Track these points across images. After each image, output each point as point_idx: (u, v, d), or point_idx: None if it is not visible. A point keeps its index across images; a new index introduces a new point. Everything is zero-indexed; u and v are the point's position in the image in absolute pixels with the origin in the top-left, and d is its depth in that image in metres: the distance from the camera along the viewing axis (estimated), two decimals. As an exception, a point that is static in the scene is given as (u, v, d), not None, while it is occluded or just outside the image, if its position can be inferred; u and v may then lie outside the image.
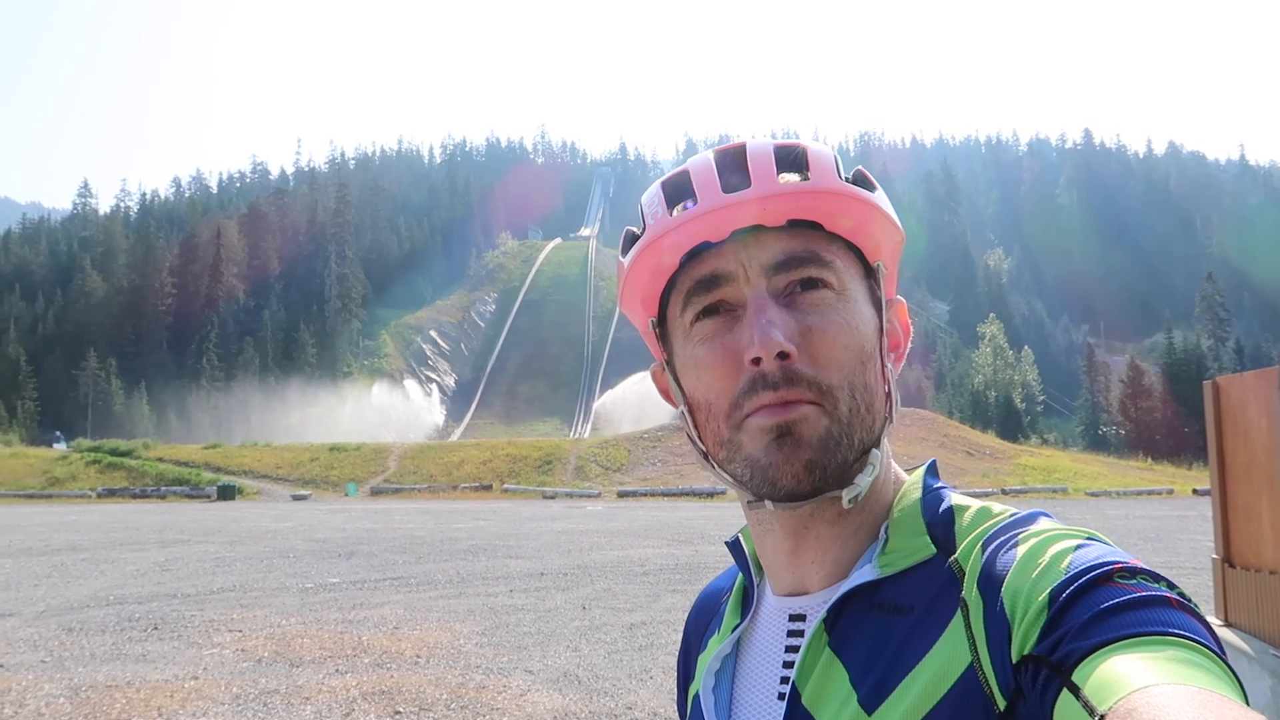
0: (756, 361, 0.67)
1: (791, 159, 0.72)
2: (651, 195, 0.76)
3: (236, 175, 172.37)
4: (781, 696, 0.71)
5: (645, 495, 39.03)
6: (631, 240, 0.77)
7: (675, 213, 0.73)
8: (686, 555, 15.62)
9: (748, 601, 0.82)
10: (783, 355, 0.67)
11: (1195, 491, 36.18)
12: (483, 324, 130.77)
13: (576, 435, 75.89)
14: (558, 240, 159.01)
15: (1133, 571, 0.57)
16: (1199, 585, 9.68)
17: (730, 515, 26.61)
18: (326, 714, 6.18)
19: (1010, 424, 73.25)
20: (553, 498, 39.30)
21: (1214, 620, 5.46)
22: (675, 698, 0.93)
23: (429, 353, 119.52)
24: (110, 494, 42.38)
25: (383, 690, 6.79)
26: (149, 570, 14.28)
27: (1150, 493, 38.07)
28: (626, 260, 0.77)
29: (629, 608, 10.29)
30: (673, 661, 7.10)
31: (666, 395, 0.80)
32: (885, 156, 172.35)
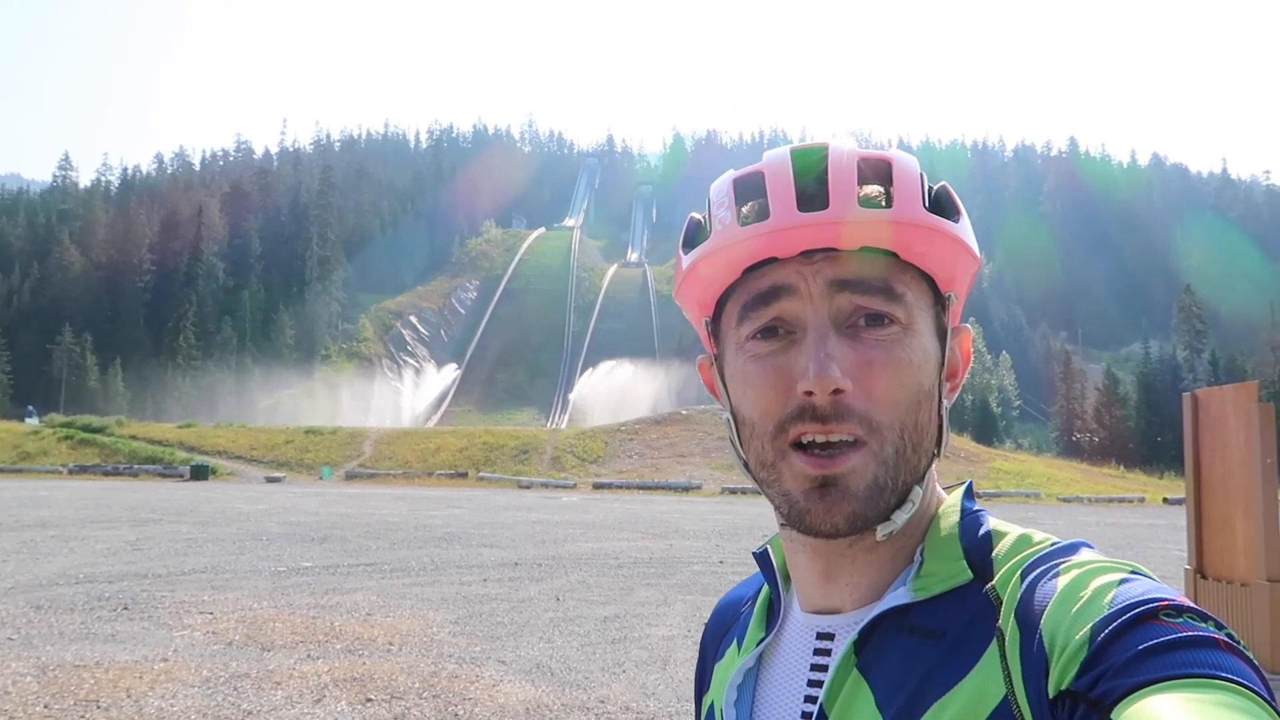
0: (809, 393, 0.65)
1: (875, 174, 0.69)
2: (721, 192, 0.72)
3: (220, 153, 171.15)
4: (806, 716, 0.70)
5: (621, 488, 39.04)
6: (695, 231, 0.74)
7: (743, 217, 0.69)
8: (661, 549, 15.64)
9: (773, 615, 0.79)
10: (837, 390, 0.65)
11: (1166, 500, 36.64)
12: (464, 311, 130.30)
13: (554, 425, 75.80)
14: (542, 230, 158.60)
15: (1179, 610, 0.55)
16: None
17: (705, 511, 26.65)
18: (297, 699, 6.14)
19: (986, 428, 73.81)
20: (528, 487, 39.23)
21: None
22: (686, 699, 0.92)
23: (408, 338, 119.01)
24: (82, 470, 41.92)
25: (354, 677, 6.75)
26: (120, 549, 14.14)
27: (1122, 500, 38.50)
28: (687, 260, 0.74)
29: (603, 600, 10.29)
30: (646, 656, 7.02)
31: (712, 389, 0.78)
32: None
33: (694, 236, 0.74)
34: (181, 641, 7.81)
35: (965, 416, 78.34)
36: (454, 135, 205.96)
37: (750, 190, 0.70)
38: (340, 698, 6.21)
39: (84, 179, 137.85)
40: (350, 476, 42.70)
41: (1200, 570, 5.53)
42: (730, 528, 20.54)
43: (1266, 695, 0.50)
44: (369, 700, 6.16)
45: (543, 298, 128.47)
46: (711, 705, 0.80)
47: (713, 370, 0.77)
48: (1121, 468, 53.97)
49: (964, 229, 0.72)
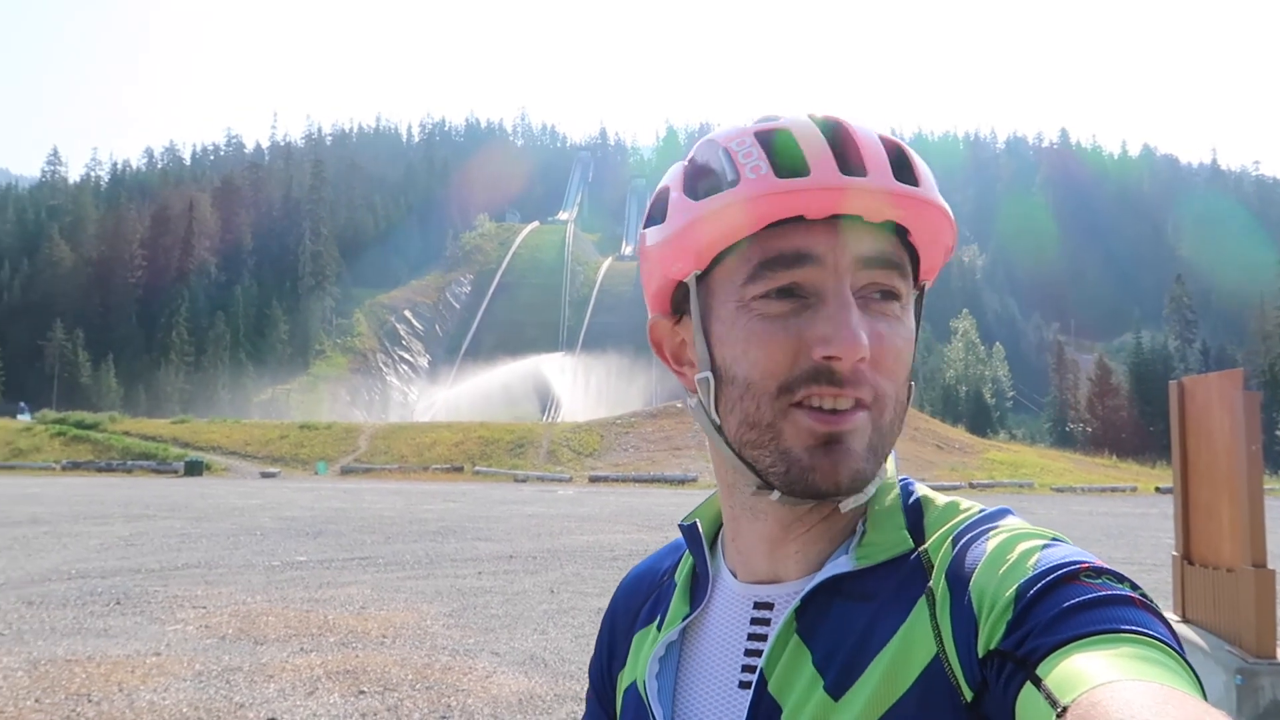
0: (830, 358, 0.65)
1: (896, 158, 0.68)
2: (745, 144, 0.69)
3: (210, 148, 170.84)
4: (744, 685, 0.71)
5: (617, 481, 39.07)
6: (709, 178, 0.70)
7: (780, 169, 0.67)
8: (656, 541, 15.66)
9: (698, 587, 0.79)
10: (859, 359, 0.66)
11: (1158, 490, 36.77)
12: (458, 305, 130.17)
13: (549, 419, 75.81)
14: (535, 224, 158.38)
15: (1098, 571, 0.58)
16: (1158, 581, 9.84)
17: (701, 502, 26.65)
18: (290, 692, 6.15)
19: (980, 419, 74.08)
20: (524, 481, 39.24)
21: (1172, 616, 5.55)
22: (591, 672, 0.89)
23: (403, 333, 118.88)
24: (75, 467, 41.81)
25: (347, 670, 6.76)
26: (113, 544, 14.12)
27: (1114, 490, 38.64)
28: (703, 206, 0.69)
29: (597, 592, 10.31)
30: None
31: (660, 350, 0.77)
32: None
33: (708, 184, 0.70)
34: (174, 636, 7.82)
35: (960, 407, 78.63)
36: (446, 129, 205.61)
37: (774, 147, 0.68)
38: (333, 690, 6.22)
39: (73, 174, 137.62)
40: (345, 471, 42.65)
41: (1187, 556, 5.57)
42: (724, 519, 20.55)
43: (1178, 648, 0.53)
44: (362, 692, 6.18)
45: (537, 292, 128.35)
46: (633, 685, 0.80)
47: (676, 331, 0.76)
48: (1114, 457, 54.10)
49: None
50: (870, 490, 0.70)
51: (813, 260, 0.67)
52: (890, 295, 0.69)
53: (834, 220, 0.67)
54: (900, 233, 0.69)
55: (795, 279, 0.67)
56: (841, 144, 0.67)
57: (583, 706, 5.10)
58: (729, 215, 0.68)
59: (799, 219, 0.67)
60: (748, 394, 0.68)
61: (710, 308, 0.71)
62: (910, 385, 0.72)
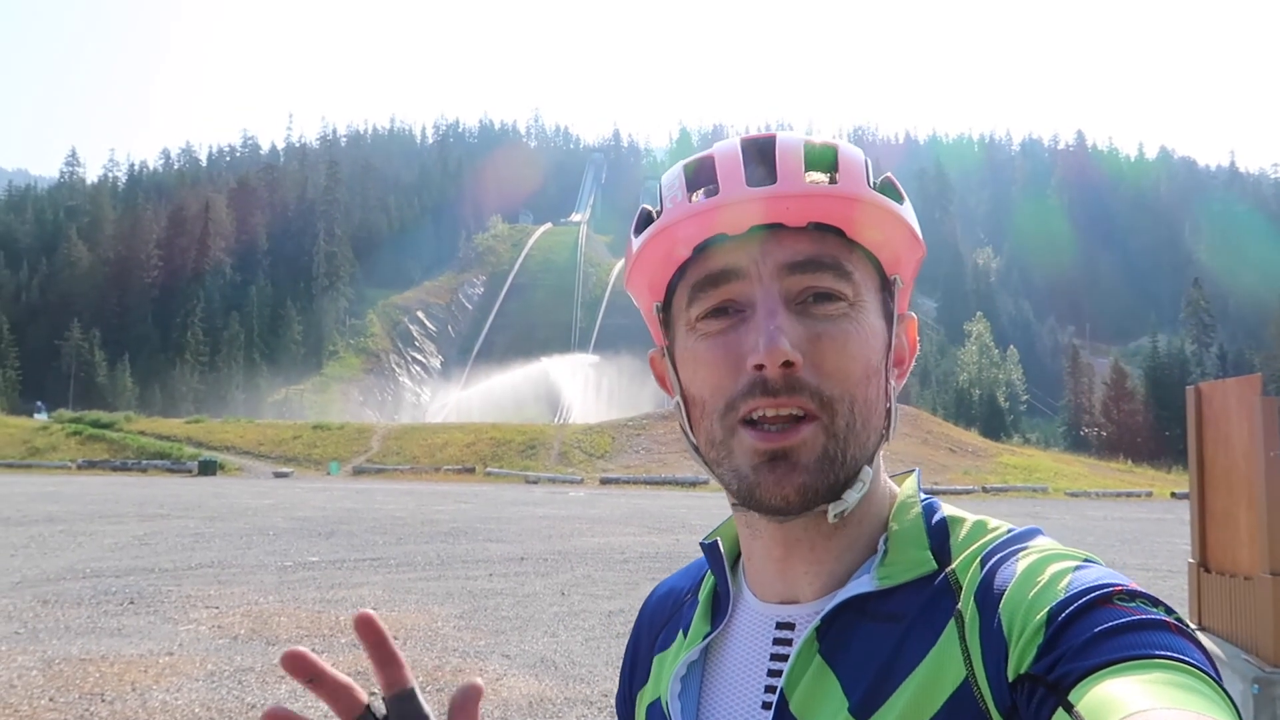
0: (759, 367, 0.65)
1: (821, 158, 0.70)
2: (672, 177, 0.73)
3: (226, 149, 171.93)
4: (767, 706, 0.70)
5: (628, 483, 39.05)
6: (646, 220, 0.74)
7: (694, 199, 0.70)
8: (667, 544, 15.64)
9: (719, 607, 0.79)
10: (787, 364, 0.65)
11: (1174, 495, 36.51)
12: (470, 306, 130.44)
13: (561, 421, 75.88)
14: (548, 225, 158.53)
15: (1132, 595, 0.57)
16: (1174, 588, 9.76)
17: (712, 505, 26.65)
18: (302, 693, 6.16)
19: (993, 422, 73.66)
20: (535, 482, 39.26)
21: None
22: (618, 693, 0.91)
23: (415, 334, 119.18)
24: (91, 466, 42.05)
25: (359, 671, 6.76)
26: (127, 544, 14.20)
27: (1129, 495, 38.37)
28: (637, 242, 0.74)
29: (608, 595, 10.30)
30: (650, 650, 7.13)
31: (663, 382, 0.79)
32: (879, 152, 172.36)
33: (645, 224, 0.75)
34: (187, 635, 7.85)
35: (973, 410, 78.27)
36: (460, 130, 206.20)
37: (700, 174, 0.71)
38: (344, 691, 6.23)
39: (91, 175, 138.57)
40: (358, 472, 42.78)
41: (1204, 563, 5.52)
42: (736, 522, 20.48)
43: (1214, 675, 0.52)
44: (373, 694, 6.17)
45: (549, 293, 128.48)
46: (655, 703, 0.80)
47: (664, 362, 0.77)
48: (1129, 462, 53.75)
49: (907, 211, 0.73)
50: (851, 500, 0.69)
51: (738, 274, 0.69)
52: (828, 297, 0.68)
53: (756, 232, 0.69)
54: (841, 231, 0.70)
55: (726, 296, 0.69)
56: (756, 157, 0.69)
57: (592, 710, 5.09)
58: (655, 246, 0.73)
59: (724, 237, 0.69)
60: (705, 413, 0.70)
61: (675, 334, 0.74)
62: (885, 381, 0.71)
